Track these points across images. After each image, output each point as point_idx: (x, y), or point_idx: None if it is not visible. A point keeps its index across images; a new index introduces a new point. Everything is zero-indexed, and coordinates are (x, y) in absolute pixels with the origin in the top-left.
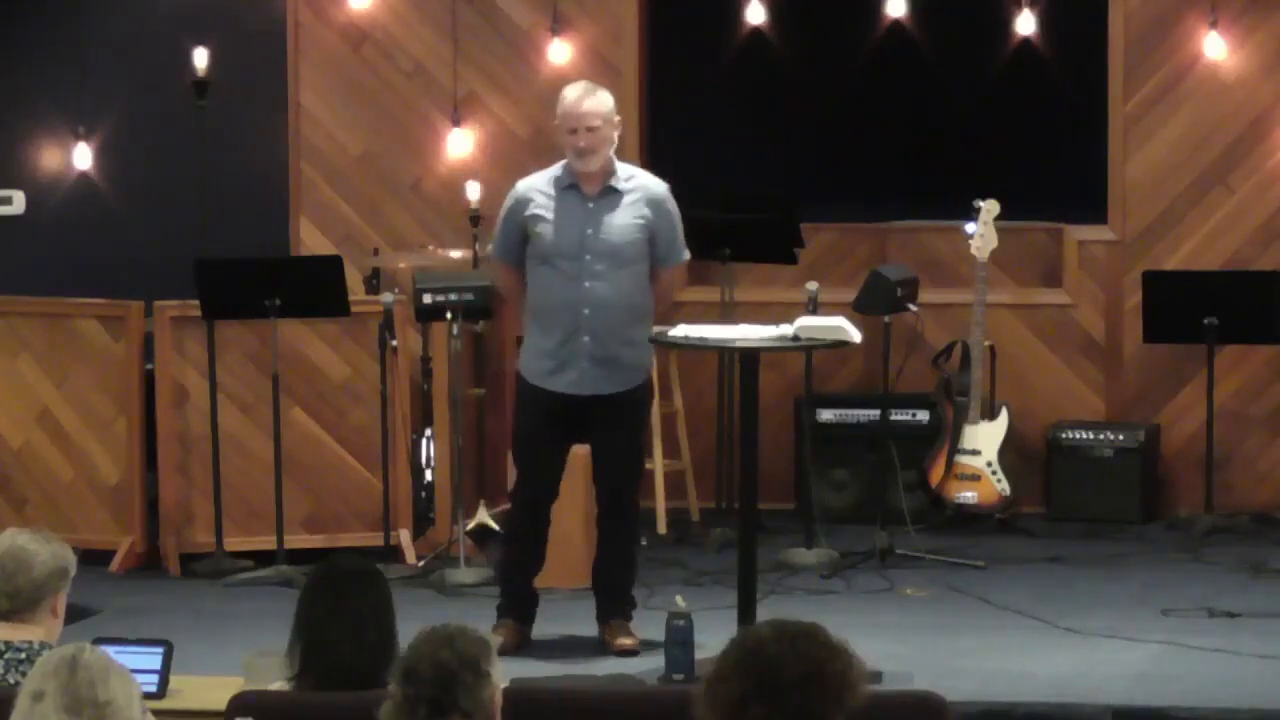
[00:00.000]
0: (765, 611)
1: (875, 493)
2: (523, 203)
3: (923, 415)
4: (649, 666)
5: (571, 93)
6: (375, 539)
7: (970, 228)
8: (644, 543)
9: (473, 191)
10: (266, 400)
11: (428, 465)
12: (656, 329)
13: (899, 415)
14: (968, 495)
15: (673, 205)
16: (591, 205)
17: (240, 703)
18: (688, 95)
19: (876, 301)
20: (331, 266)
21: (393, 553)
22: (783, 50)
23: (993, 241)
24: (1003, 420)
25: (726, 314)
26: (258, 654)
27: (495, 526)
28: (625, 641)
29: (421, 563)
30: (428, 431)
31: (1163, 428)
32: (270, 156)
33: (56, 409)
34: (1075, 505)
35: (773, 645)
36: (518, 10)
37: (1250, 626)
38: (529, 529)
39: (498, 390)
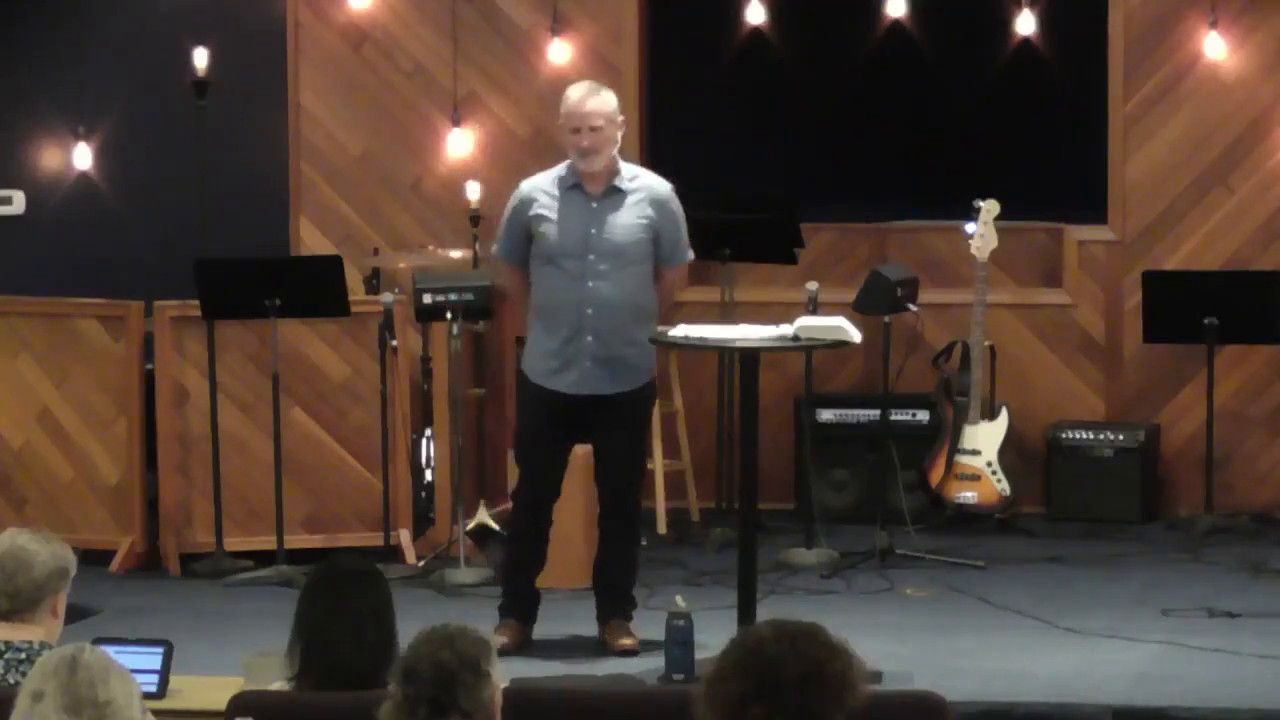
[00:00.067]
0: (765, 611)
1: (875, 493)
2: (527, 202)
3: (923, 415)
4: (649, 666)
5: (575, 92)
6: (375, 539)
7: (970, 228)
8: (644, 543)
9: (473, 191)
10: (266, 400)
11: (428, 465)
12: (657, 329)
13: (899, 415)
14: (968, 495)
15: (677, 205)
16: (595, 205)
17: (240, 703)
18: (688, 95)
19: (876, 301)
20: (331, 266)
21: (393, 553)
22: (783, 50)
23: (993, 241)
24: (1003, 420)
25: (726, 314)
26: (258, 654)
27: (495, 526)
28: (625, 641)
29: (421, 563)
30: (428, 431)
31: (1163, 428)
32: (270, 156)
33: (56, 409)
34: (1075, 505)
35: (773, 645)
36: (518, 10)
37: (1250, 626)
38: (531, 528)
39: (498, 390)
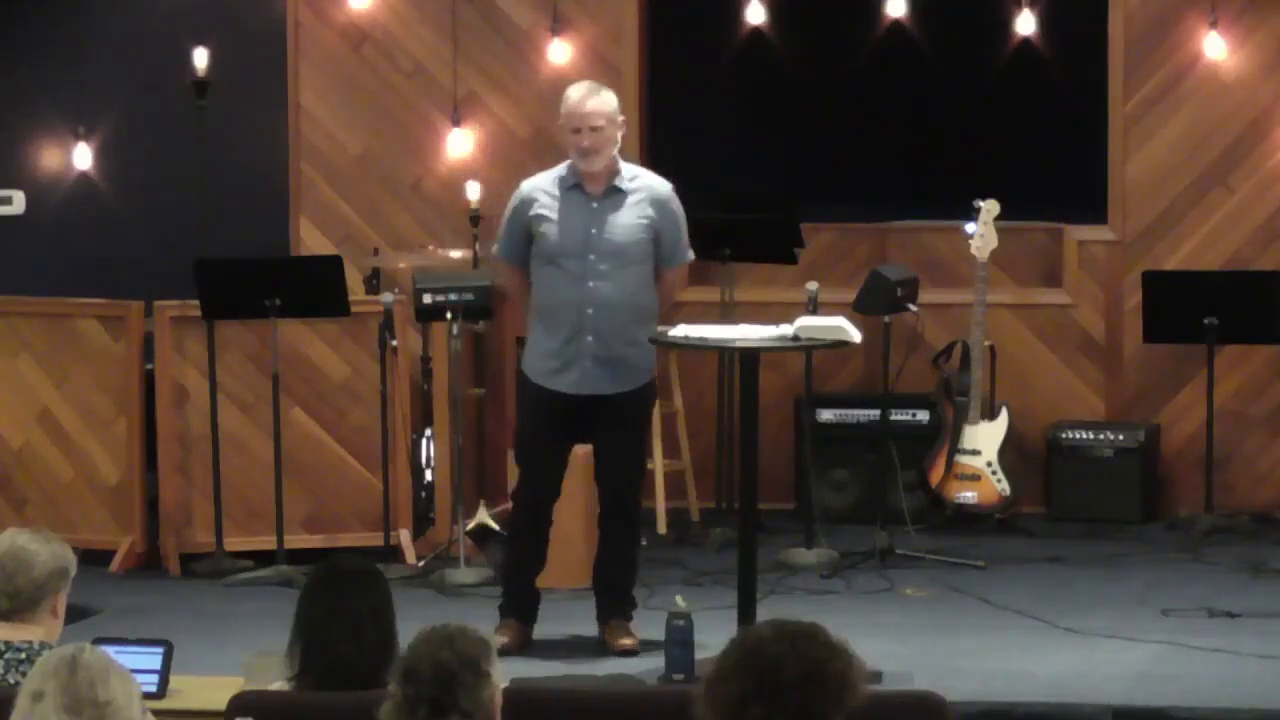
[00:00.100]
0: (765, 611)
1: (875, 493)
2: (527, 202)
3: (923, 415)
4: (649, 666)
5: (575, 92)
6: (375, 539)
7: (970, 228)
8: (644, 543)
9: (473, 191)
10: (266, 400)
11: (428, 465)
12: (657, 329)
13: (899, 415)
14: (968, 495)
15: (677, 205)
16: (596, 205)
17: (240, 703)
18: (688, 95)
19: (876, 301)
20: (331, 266)
21: (393, 553)
22: (783, 50)
23: (993, 241)
24: (1003, 420)
25: (726, 314)
26: (258, 654)
27: (495, 526)
28: (625, 641)
29: (421, 563)
30: (428, 431)
31: (1163, 428)
32: (270, 156)
33: (56, 409)
34: (1075, 505)
35: (773, 645)
36: (518, 10)
37: (1250, 626)
38: (531, 528)
39: (498, 390)
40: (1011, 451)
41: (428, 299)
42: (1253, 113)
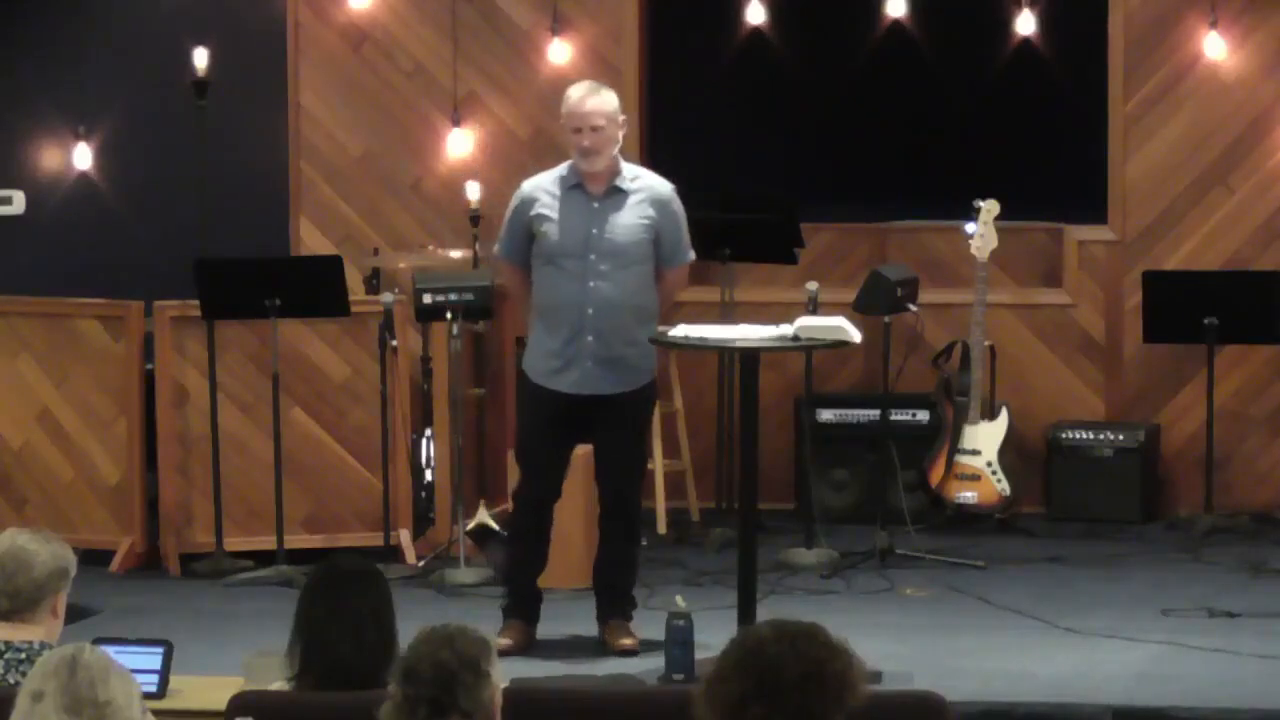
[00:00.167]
0: (765, 611)
1: (875, 493)
2: (528, 202)
3: (923, 415)
4: (649, 666)
5: (576, 92)
6: (375, 539)
7: (970, 228)
8: (644, 543)
9: (473, 191)
10: (266, 400)
11: (428, 465)
12: (657, 329)
13: (899, 415)
14: (968, 495)
15: (678, 206)
16: (597, 205)
17: (240, 703)
18: (688, 95)
19: (876, 301)
20: (331, 266)
21: (393, 553)
22: (783, 50)
23: (993, 241)
24: (1003, 420)
25: (726, 314)
26: (258, 654)
27: (495, 526)
28: (625, 641)
29: (421, 563)
30: (428, 431)
31: (1163, 428)
32: (270, 156)
33: (56, 409)
34: (1075, 505)
35: (773, 645)
36: (518, 10)
37: (1250, 626)
38: (532, 528)
39: (498, 390)
40: (1011, 451)
41: (428, 299)
42: (1253, 113)
